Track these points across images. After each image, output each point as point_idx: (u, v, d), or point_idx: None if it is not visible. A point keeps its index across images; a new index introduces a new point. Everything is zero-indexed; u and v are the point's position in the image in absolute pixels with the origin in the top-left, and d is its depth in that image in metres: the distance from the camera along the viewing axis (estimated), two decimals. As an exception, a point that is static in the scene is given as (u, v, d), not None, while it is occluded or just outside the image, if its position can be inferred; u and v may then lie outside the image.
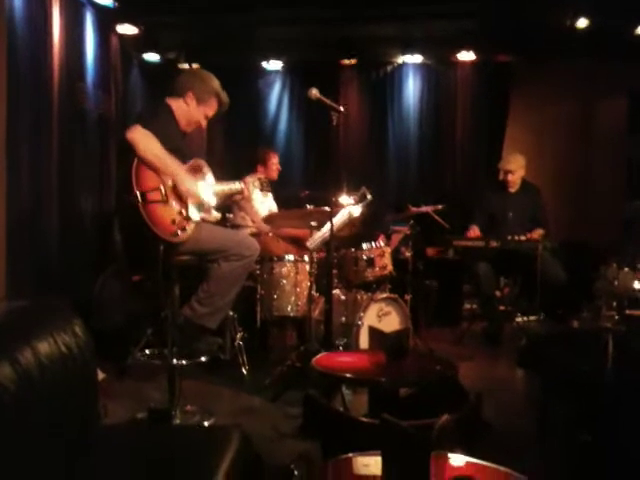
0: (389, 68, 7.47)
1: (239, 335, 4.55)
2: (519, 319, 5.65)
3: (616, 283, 4.55)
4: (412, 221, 5.50)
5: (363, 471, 1.96)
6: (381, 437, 1.75)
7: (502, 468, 1.92)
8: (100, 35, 5.57)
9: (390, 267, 4.88)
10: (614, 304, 4.50)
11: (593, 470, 2.88)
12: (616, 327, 4.24)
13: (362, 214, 4.68)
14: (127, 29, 6.01)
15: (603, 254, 5.41)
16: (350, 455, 2.02)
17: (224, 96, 3.99)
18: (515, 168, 5.88)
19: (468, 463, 1.98)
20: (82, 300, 4.67)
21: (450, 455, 1.98)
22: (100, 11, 5.45)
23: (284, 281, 4.59)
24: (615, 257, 4.80)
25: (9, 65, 3.82)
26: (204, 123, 4.02)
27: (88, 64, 5.36)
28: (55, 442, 1.94)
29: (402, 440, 1.66)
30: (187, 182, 3.65)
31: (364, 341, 4.28)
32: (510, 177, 5.89)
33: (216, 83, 3.96)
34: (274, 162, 5.70)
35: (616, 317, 4.39)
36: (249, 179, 4.13)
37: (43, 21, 4.51)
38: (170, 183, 3.59)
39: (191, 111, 3.89)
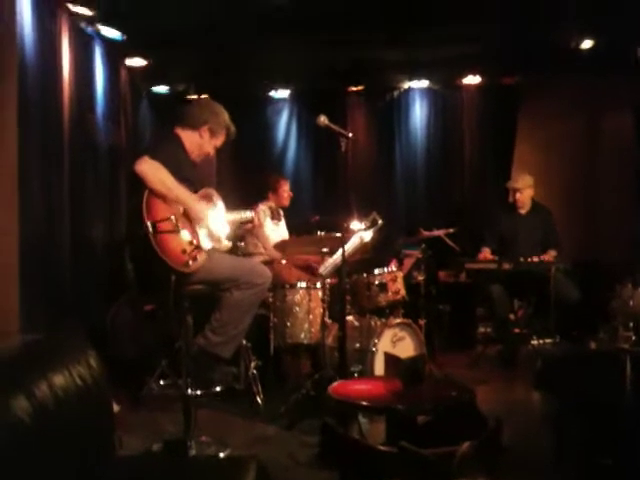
0: (396, 93, 7.50)
1: (253, 364, 4.52)
2: (534, 341, 5.60)
3: (631, 303, 4.51)
4: (424, 245, 5.48)
5: (384, 500, 1.93)
6: (402, 466, 1.72)
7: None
8: (109, 68, 5.63)
9: (403, 292, 4.86)
10: (630, 324, 4.44)
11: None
12: (634, 348, 4.19)
13: (373, 239, 4.67)
14: (136, 62, 6.07)
15: (617, 273, 5.37)
16: (370, 484, 1.99)
17: (233, 128, 4.03)
18: (522, 186, 5.88)
19: (490, 490, 1.94)
20: (95, 329, 4.67)
21: (472, 483, 1.95)
22: (109, 44, 5.51)
23: (297, 308, 4.57)
24: (629, 276, 4.76)
25: (20, 97, 3.84)
26: (212, 153, 4.05)
27: (98, 96, 5.41)
28: (71, 474, 1.92)
29: (424, 469, 1.63)
30: (198, 208, 3.67)
31: (379, 367, 4.25)
32: (518, 196, 5.89)
33: (226, 115, 4.01)
34: (285, 189, 5.69)
35: (633, 338, 4.33)
36: (261, 207, 4.13)
37: (53, 54, 4.56)
38: (181, 212, 3.61)
39: (204, 143, 3.93)
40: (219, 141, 4.01)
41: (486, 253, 5.72)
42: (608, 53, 6.13)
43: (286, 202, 5.67)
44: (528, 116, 7.23)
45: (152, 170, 3.50)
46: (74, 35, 4.88)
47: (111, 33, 5.37)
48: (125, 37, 5.47)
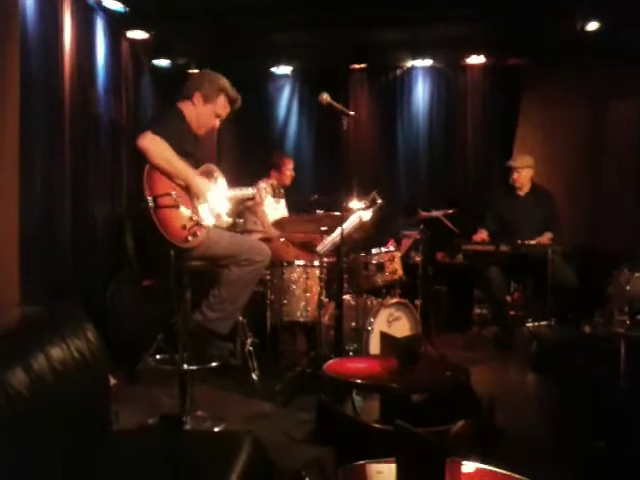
0: (399, 72, 7.47)
1: (249, 340, 4.54)
2: (530, 324, 5.63)
3: (628, 288, 4.51)
4: (422, 226, 5.48)
5: (376, 478, 1.95)
6: (396, 444, 1.74)
7: (516, 475, 1.90)
8: (111, 40, 5.59)
9: (400, 272, 4.87)
10: (626, 309, 4.46)
11: (608, 476, 2.87)
12: (628, 332, 4.21)
13: (372, 219, 4.67)
14: (138, 34, 6.03)
15: (616, 258, 5.38)
16: (363, 462, 2.01)
17: (233, 92, 3.96)
18: (520, 165, 5.88)
19: (482, 470, 1.96)
20: (94, 305, 4.68)
21: (464, 462, 1.97)
22: (111, 17, 5.47)
23: (294, 286, 4.58)
24: (628, 262, 4.77)
25: (21, 71, 3.82)
26: (217, 123, 4.01)
27: (99, 69, 5.37)
28: (67, 447, 1.94)
29: (418, 447, 1.65)
30: (200, 183, 3.66)
31: (374, 346, 4.27)
32: (516, 175, 5.89)
33: (223, 81, 3.94)
34: (288, 168, 5.68)
35: (628, 322, 4.35)
36: (262, 184, 4.12)
37: (54, 27, 4.53)
38: (182, 187, 3.60)
39: (199, 111, 3.88)
40: (219, 107, 3.94)
41: (482, 234, 5.72)
42: (613, 37, 6.09)
43: (288, 181, 5.67)
44: (531, 98, 7.19)
45: (154, 145, 3.48)
46: (76, 7, 4.83)
47: (113, 5, 5.32)
48: (127, 9, 5.42)
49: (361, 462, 2.01)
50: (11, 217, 3.72)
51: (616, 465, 2.90)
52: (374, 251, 4.78)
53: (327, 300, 4.58)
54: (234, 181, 4.11)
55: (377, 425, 2.64)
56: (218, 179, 3.90)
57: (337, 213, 4.14)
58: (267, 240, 4.92)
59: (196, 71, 6.93)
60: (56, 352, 2.00)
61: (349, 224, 4.41)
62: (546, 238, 5.50)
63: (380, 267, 4.76)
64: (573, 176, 7.07)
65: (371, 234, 5.01)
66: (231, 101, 3.99)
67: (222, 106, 3.97)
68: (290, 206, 5.73)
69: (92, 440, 2.13)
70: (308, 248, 5.16)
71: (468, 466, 1.97)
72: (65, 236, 4.62)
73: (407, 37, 6.57)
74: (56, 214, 4.52)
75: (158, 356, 4.40)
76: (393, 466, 1.77)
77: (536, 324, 5.56)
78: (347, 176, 4.18)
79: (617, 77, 6.68)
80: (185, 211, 3.54)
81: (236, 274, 3.89)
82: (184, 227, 3.49)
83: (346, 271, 4.62)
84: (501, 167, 6.35)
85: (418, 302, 5.21)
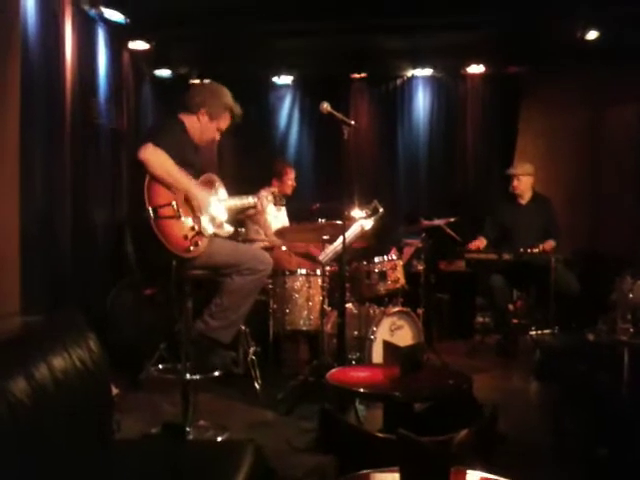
0: (399, 81, 7.49)
1: (252, 349, 4.54)
2: (533, 332, 5.61)
3: (631, 295, 4.49)
4: (424, 234, 5.48)
5: (380, 488, 1.94)
6: (400, 453, 1.73)
7: (521, 484, 1.89)
8: (112, 51, 5.61)
9: (402, 280, 4.86)
10: (629, 317, 4.44)
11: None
12: (632, 340, 4.19)
13: (374, 227, 4.67)
14: (139, 45, 6.04)
15: (618, 261, 5.36)
16: (366, 472, 2.00)
17: (237, 109, 3.98)
18: (520, 172, 5.88)
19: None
20: (95, 313, 4.68)
21: (468, 471, 1.96)
22: (112, 27, 5.48)
23: (296, 295, 4.58)
24: (630, 269, 4.75)
25: (23, 80, 3.83)
26: (217, 137, 4.03)
27: (100, 79, 5.39)
28: (69, 456, 1.93)
29: (421, 456, 1.64)
30: (200, 196, 3.66)
31: (377, 355, 4.27)
32: (516, 183, 5.88)
33: (228, 96, 3.96)
34: (290, 177, 5.68)
35: (631, 330, 4.33)
36: (263, 193, 4.12)
37: (56, 37, 4.54)
38: (183, 197, 3.60)
39: (204, 127, 3.90)
40: (222, 123, 3.97)
41: (479, 242, 5.72)
42: (613, 45, 6.11)
43: (289, 191, 5.65)
44: (531, 106, 7.20)
45: (155, 157, 3.48)
46: (77, 18, 4.84)
47: (114, 16, 5.33)
48: (128, 20, 5.44)
49: (364, 472, 2.00)
50: (12, 221, 3.73)
51: (618, 472, 2.89)
52: (376, 260, 4.77)
53: (329, 309, 4.58)
54: (235, 190, 4.11)
55: (380, 434, 2.63)
56: (219, 189, 3.91)
57: (339, 222, 4.14)
58: (269, 249, 4.92)
59: (197, 81, 6.96)
60: (58, 361, 1.99)
61: (351, 233, 4.41)
62: (548, 246, 5.50)
63: (382, 276, 4.75)
64: (573, 181, 7.08)
65: (373, 243, 5.02)
66: (234, 117, 4.00)
67: (225, 122, 3.99)
68: (291, 215, 5.72)
69: (94, 449, 2.12)
70: (310, 257, 5.16)
71: (472, 475, 1.96)
72: (65, 241, 4.62)
73: (407, 45, 6.59)
74: (56, 221, 4.51)
75: (161, 365, 4.39)
76: (397, 476, 1.76)
77: (539, 332, 5.55)
78: (348, 185, 4.17)
79: (616, 82, 6.69)
80: (186, 221, 3.54)
81: (238, 283, 3.89)
82: (186, 237, 3.49)
83: (348, 280, 4.60)
84: (501, 175, 6.36)
85: (420, 310, 5.20)
